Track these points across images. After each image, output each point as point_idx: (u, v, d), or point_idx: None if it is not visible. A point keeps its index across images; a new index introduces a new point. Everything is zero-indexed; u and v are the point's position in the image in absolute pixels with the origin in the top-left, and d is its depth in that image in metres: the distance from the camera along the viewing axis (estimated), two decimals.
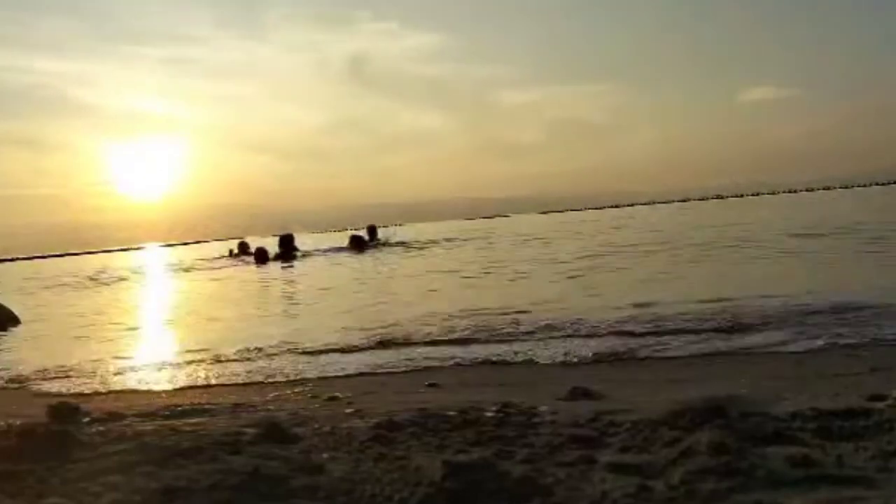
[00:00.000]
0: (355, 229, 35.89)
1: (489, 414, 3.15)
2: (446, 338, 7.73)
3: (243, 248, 31.84)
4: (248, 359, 7.32)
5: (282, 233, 30.70)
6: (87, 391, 6.03)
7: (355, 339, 7.97)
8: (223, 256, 31.57)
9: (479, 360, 6.43)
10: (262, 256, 27.73)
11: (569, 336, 7.29)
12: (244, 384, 5.92)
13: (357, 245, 29.42)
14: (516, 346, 6.93)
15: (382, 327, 8.52)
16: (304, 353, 7.46)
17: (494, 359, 6.40)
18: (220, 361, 7.20)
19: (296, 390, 5.22)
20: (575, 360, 6.15)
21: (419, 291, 12.79)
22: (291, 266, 24.09)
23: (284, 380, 5.99)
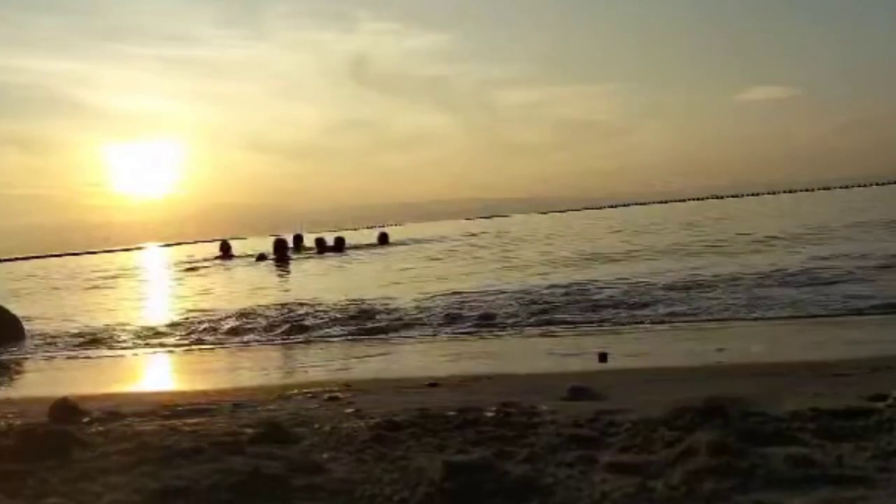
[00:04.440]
0: (355, 228, 36.14)
1: (489, 414, 3.15)
2: None
3: (225, 249, 31.17)
4: None
5: (278, 234, 30.44)
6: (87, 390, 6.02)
7: None
8: (211, 258, 30.84)
9: None
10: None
11: None
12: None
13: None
14: None
15: None
16: None
17: None
18: None
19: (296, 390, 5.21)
20: None
21: None
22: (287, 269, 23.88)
23: None
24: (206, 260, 30.76)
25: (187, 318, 11.64)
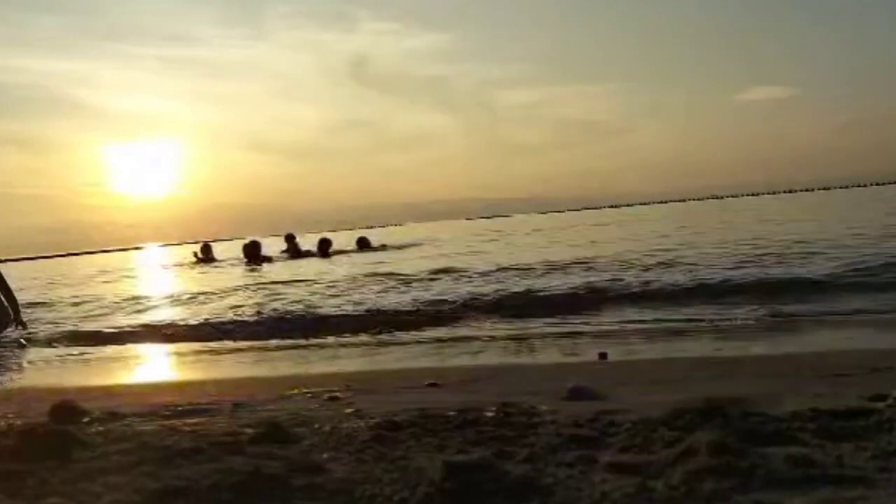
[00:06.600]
0: (354, 231, 34.40)
1: (489, 414, 3.14)
2: None
3: (206, 252, 28.54)
4: None
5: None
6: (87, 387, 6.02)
7: None
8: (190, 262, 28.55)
9: None
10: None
11: None
12: None
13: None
14: None
15: None
16: None
17: None
18: None
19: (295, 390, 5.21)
20: None
21: None
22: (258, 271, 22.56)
23: None
24: (175, 265, 29.34)
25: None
